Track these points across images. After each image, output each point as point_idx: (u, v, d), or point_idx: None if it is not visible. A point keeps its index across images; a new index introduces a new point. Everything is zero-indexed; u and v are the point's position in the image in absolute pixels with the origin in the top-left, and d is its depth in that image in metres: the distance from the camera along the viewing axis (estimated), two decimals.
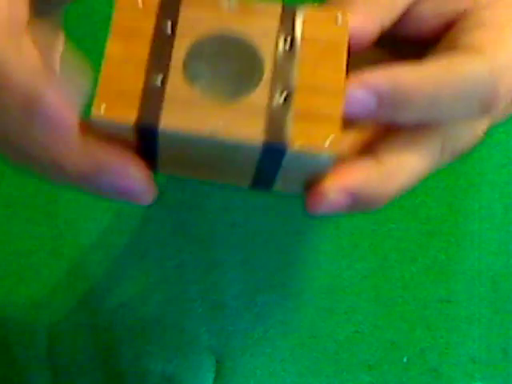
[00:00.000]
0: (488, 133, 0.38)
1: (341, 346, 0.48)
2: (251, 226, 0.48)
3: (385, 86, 0.31)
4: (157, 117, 0.30)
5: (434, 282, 0.48)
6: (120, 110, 0.30)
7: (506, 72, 0.33)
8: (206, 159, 0.32)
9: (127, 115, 0.30)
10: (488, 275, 0.49)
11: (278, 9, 0.32)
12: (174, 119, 0.30)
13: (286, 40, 0.31)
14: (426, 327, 0.48)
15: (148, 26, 0.31)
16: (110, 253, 0.48)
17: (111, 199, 0.32)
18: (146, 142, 0.31)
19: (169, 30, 0.31)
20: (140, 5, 0.32)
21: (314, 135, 0.30)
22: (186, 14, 0.32)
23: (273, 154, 0.30)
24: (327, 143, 0.30)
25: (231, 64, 0.31)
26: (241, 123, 0.30)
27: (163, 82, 0.30)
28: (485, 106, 0.33)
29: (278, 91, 0.30)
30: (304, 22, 0.32)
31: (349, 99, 0.31)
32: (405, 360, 0.48)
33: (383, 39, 0.35)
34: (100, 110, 0.30)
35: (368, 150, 0.33)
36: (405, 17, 0.35)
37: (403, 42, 0.36)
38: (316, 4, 0.33)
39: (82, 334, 0.46)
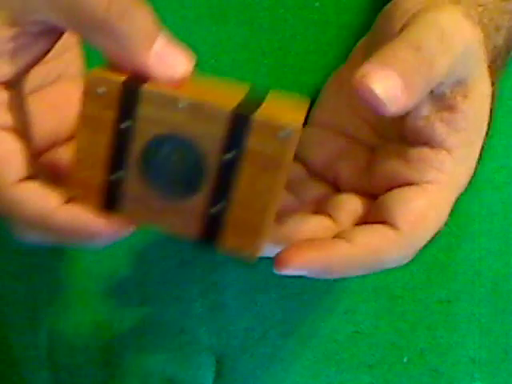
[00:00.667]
0: (488, 134, 0.39)
1: (341, 346, 0.48)
2: None
3: (318, 268, 0.37)
4: (118, 209, 0.35)
5: (434, 282, 0.48)
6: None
7: (421, 242, 0.38)
8: None
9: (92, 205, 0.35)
10: (488, 275, 0.49)
11: (228, 114, 0.33)
12: (129, 212, 0.35)
13: (231, 148, 0.33)
14: (426, 327, 0.48)
15: (108, 118, 0.34)
16: (111, 253, 0.48)
17: None
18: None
19: (126, 127, 0.34)
20: (101, 92, 0.33)
21: (237, 241, 0.34)
22: (143, 113, 0.34)
23: (206, 246, 0.35)
24: (246, 251, 0.35)
25: (181, 163, 0.34)
26: (180, 222, 0.34)
27: (121, 178, 0.34)
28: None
29: (216, 199, 0.34)
30: (251, 130, 0.33)
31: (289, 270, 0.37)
32: (405, 360, 0.48)
33: None
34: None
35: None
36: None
37: None
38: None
39: (83, 334, 0.46)
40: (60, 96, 0.41)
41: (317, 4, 0.53)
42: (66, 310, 0.47)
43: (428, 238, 0.39)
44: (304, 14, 0.53)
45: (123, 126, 0.34)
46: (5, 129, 0.36)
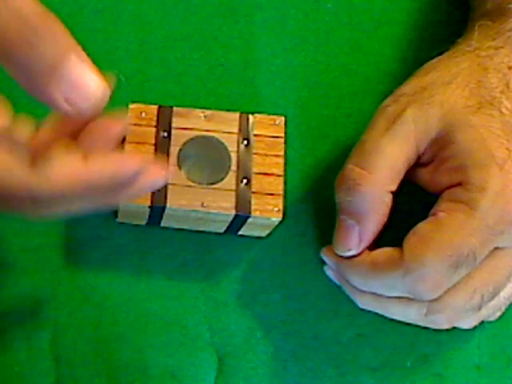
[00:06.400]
0: None
1: (344, 348, 0.48)
2: None
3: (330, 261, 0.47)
4: (164, 199, 0.44)
5: None
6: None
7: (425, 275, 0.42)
8: (195, 219, 0.46)
9: (144, 200, 0.44)
10: None
11: (237, 116, 0.46)
12: (175, 200, 0.44)
13: (244, 139, 0.45)
14: (430, 332, 0.48)
15: (151, 132, 0.45)
16: (115, 250, 0.48)
17: None
18: (156, 214, 0.45)
19: (165, 136, 0.45)
20: (144, 115, 0.45)
21: (266, 206, 0.44)
22: (176, 124, 0.45)
23: (240, 218, 0.45)
24: (275, 211, 0.44)
25: (210, 156, 0.45)
26: (219, 200, 0.44)
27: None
28: (414, 295, 0.43)
29: (241, 178, 0.45)
30: (254, 124, 0.46)
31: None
32: (408, 364, 0.48)
33: None
34: None
35: None
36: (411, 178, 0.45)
37: None
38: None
39: (86, 328, 0.46)
40: None
41: (329, 5, 0.54)
42: (70, 303, 0.47)
43: (438, 261, 0.42)
44: (316, 15, 0.53)
45: (162, 135, 0.45)
46: None
